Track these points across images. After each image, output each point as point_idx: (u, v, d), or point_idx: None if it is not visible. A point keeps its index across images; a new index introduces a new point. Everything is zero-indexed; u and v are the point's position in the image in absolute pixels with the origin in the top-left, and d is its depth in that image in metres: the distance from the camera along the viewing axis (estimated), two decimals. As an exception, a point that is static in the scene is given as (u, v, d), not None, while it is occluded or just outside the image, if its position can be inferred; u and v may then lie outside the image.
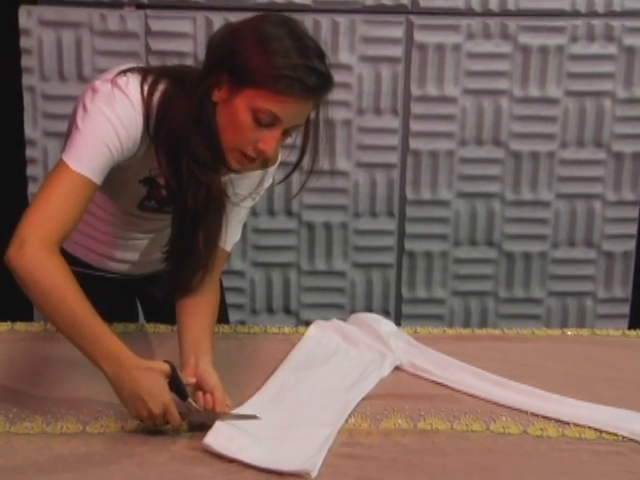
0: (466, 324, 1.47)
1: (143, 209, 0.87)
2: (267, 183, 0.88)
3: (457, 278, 1.47)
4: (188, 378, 0.78)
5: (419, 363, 0.90)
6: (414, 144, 1.40)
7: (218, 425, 0.74)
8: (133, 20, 1.33)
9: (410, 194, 1.43)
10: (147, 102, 0.77)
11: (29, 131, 1.36)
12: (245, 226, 1.02)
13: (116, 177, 0.80)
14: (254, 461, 0.71)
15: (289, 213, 1.43)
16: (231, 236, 0.87)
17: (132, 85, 0.77)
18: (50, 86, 1.34)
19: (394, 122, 1.39)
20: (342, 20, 1.35)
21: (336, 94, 0.79)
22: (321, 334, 0.95)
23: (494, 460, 0.74)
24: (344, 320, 1.00)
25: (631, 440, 0.77)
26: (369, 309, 1.45)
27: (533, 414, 0.81)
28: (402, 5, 1.35)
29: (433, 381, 0.87)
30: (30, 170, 1.37)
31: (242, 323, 1.36)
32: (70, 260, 0.78)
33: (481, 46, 1.37)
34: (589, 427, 0.79)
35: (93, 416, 0.78)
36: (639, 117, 1.41)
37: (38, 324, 0.96)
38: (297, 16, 0.80)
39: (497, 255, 1.46)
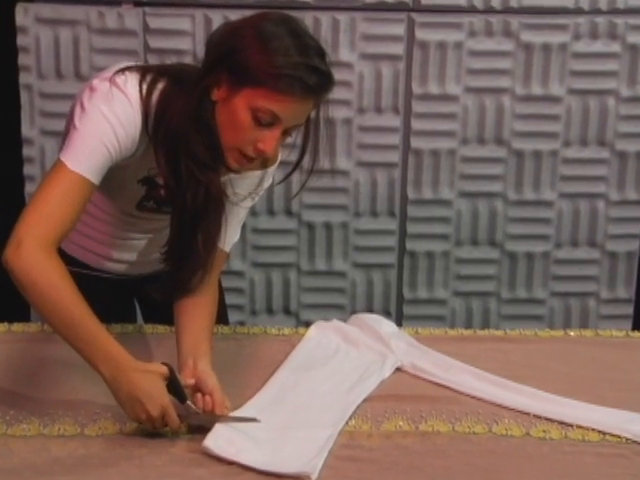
0: (468, 325, 1.47)
1: (142, 209, 0.86)
2: (267, 183, 0.88)
3: (459, 278, 1.46)
4: (186, 380, 0.77)
5: (420, 364, 0.89)
6: (415, 143, 1.40)
7: (217, 427, 0.74)
8: (131, 17, 1.33)
9: (411, 193, 1.42)
10: (146, 101, 0.77)
11: (26, 130, 1.35)
12: (245, 226, 1.02)
13: (114, 177, 0.79)
14: (254, 464, 0.71)
15: (289, 213, 1.42)
16: (230, 236, 0.87)
17: (130, 84, 0.77)
18: (47, 84, 1.34)
19: (395, 121, 1.39)
20: (342, 18, 1.35)
21: (336, 92, 0.79)
22: (321, 335, 0.95)
23: (496, 462, 0.73)
24: (344, 321, 0.99)
25: (635, 442, 0.77)
26: (370, 310, 1.44)
27: (536, 416, 0.81)
28: (403, 2, 1.34)
29: (434, 382, 0.87)
30: (27, 169, 1.37)
31: (241, 324, 1.36)
32: (67, 260, 0.78)
33: (483, 44, 1.36)
34: (592, 429, 0.78)
35: (91, 418, 0.78)
36: (643, 115, 1.40)
37: (35, 325, 0.95)
38: (297, 13, 0.80)
39: (499, 255, 1.46)
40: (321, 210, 1.42)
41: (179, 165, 0.77)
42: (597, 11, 1.36)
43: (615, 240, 1.45)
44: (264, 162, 0.84)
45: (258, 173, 0.86)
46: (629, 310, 1.48)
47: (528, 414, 0.81)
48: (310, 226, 1.43)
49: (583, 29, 1.36)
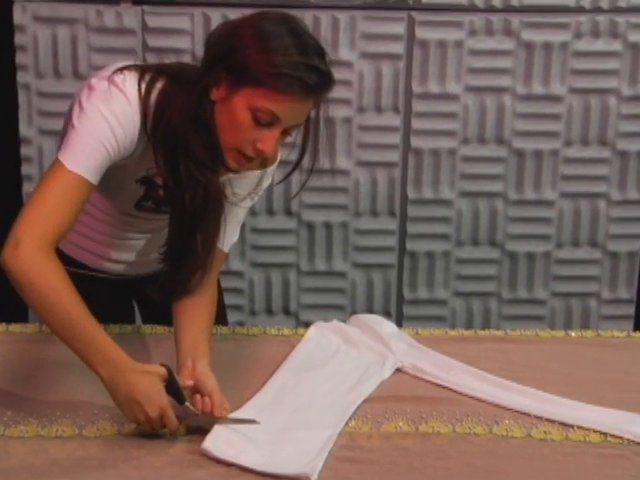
0: (468, 325, 1.46)
1: (140, 209, 0.86)
2: (266, 183, 0.88)
3: (459, 279, 1.46)
4: (185, 381, 0.77)
5: (420, 365, 0.89)
6: (415, 142, 1.39)
7: (216, 429, 0.74)
8: (130, 16, 1.32)
9: (411, 193, 1.42)
10: (144, 100, 0.76)
11: (24, 129, 1.35)
12: (244, 226, 1.01)
13: (113, 176, 0.79)
14: (253, 465, 0.71)
15: (288, 213, 1.42)
16: (229, 237, 0.86)
17: (129, 83, 0.76)
18: (45, 83, 1.34)
19: (395, 120, 1.38)
20: (342, 16, 1.34)
21: (336, 91, 0.78)
22: (321, 335, 0.95)
23: (497, 463, 0.73)
24: (344, 321, 0.99)
25: (636, 443, 0.76)
26: (370, 310, 1.44)
27: (536, 417, 0.80)
28: (403, 1, 1.34)
29: (435, 383, 0.86)
30: (25, 169, 1.36)
31: (241, 324, 1.35)
32: (66, 260, 0.78)
33: (484, 43, 1.36)
34: (593, 430, 0.78)
35: (89, 419, 0.77)
36: (644, 115, 1.40)
37: (33, 325, 0.95)
38: (296, 12, 0.79)
39: (500, 255, 1.45)
40: (321, 210, 1.41)
41: (178, 165, 0.77)
42: (598, 9, 1.35)
43: (616, 240, 1.45)
44: (263, 162, 0.84)
45: (257, 173, 0.85)
46: (630, 310, 1.48)
47: (529, 415, 0.81)
48: (310, 226, 1.42)
49: (584, 28, 1.36)
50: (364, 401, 0.82)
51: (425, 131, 1.39)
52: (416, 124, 1.38)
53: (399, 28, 1.35)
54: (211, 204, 0.79)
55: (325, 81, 0.74)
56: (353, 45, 1.35)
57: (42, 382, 0.83)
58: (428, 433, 0.77)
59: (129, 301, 1.01)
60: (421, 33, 1.35)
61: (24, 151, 1.36)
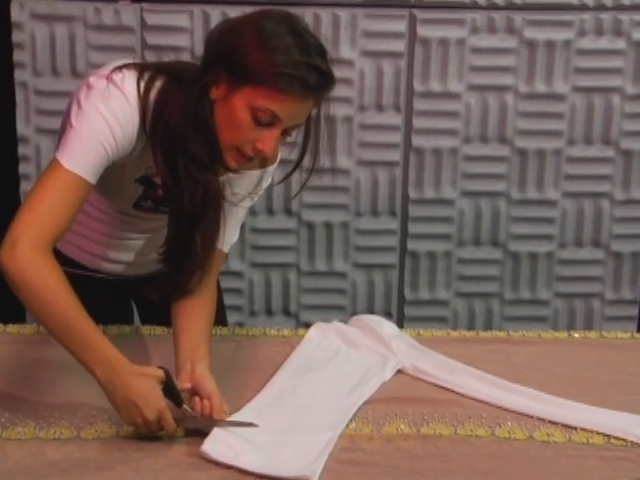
0: (470, 326, 1.45)
1: (139, 209, 0.85)
2: (266, 183, 0.87)
3: (461, 279, 1.45)
4: (183, 384, 0.76)
5: (422, 366, 0.88)
6: (417, 141, 1.38)
7: (215, 431, 0.73)
8: (128, 14, 1.32)
9: (413, 193, 1.41)
10: (143, 99, 0.76)
11: (21, 128, 1.34)
12: (243, 226, 1.00)
13: (111, 176, 0.78)
14: (252, 467, 0.70)
15: (288, 212, 1.41)
16: (229, 237, 0.86)
17: (128, 81, 0.76)
18: (43, 82, 1.33)
19: (396, 119, 1.38)
20: (343, 14, 1.33)
21: (337, 90, 0.78)
22: (321, 336, 0.94)
23: (499, 466, 0.73)
24: (345, 322, 0.98)
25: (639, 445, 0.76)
26: (371, 311, 1.43)
27: (539, 419, 0.80)
28: (405, -1, 1.34)
29: (436, 385, 0.86)
30: (22, 168, 1.36)
31: (240, 325, 1.34)
32: (63, 260, 0.77)
33: (486, 41, 1.35)
34: (596, 432, 0.77)
35: (87, 421, 0.77)
36: (648, 113, 1.39)
37: (31, 326, 0.95)
38: (297, 10, 0.79)
39: (502, 255, 1.44)
40: (321, 209, 1.41)
41: (177, 164, 0.76)
42: (602, 7, 1.35)
43: (620, 240, 1.44)
44: (263, 161, 0.83)
45: (257, 172, 0.85)
46: (634, 311, 1.47)
47: (531, 417, 0.80)
48: (310, 226, 1.42)
49: (588, 26, 1.35)
50: (365, 403, 0.82)
51: (427, 130, 1.38)
52: (417, 123, 1.38)
53: (400, 26, 1.34)
54: (210, 204, 0.79)
55: (326, 81, 0.74)
56: (354, 43, 1.34)
57: (40, 383, 0.83)
58: (430, 435, 0.77)
59: (128, 302, 1.01)
60: (423, 31, 1.34)
61: (21, 150, 1.35)
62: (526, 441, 0.76)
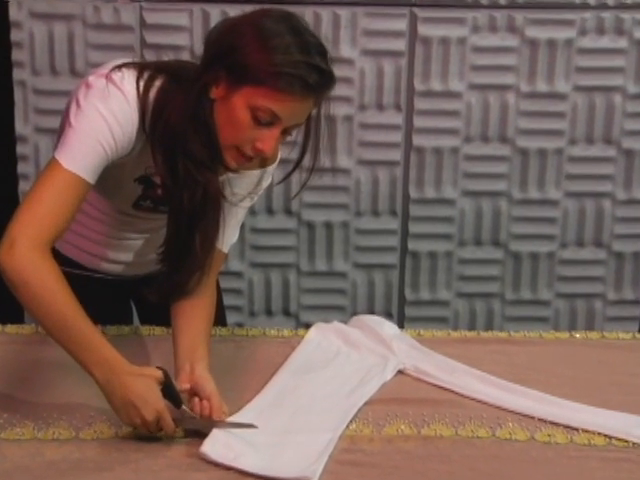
0: (471, 327, 1.45)
1: (138, 208, 0.85)
2: (266, 182, 0.87)
3: (462, 279, 1.44)
4: (182, 385, 0.76)
5: (423, 367, 0.88)
6: (418, 141, 1.38)
7: (215, 432, 0.73)
8: (127, 12, 1.32)
9: (413, 192, 1.41)
10: (143, 98, 0.75)
11: (20, 127, 1.34)
12: (243, 226, 1.00)
13: (111, 175, 0.78)
14: (252, 469, 0.70)
15: (288, 212, 1.41)
16: (228, 237, 0.86)
17: (127, 81, 0.76)
18: (42, 81, 1.33)
19: (397, 118, 1.37)
20: (343, 13, 1.33)
21: (337, 89, 0.77)
22: (321, 337, 0.94)
23: (500, 467, 0.72)
24: (345, 322, 0.98)
25: (642, 447, 0.75)
26: (371, 311, 1.43)
27: (540, 420, 0.79)
28: (405, -2, 1.33)
29: (437, 385, 0.86)
30: (21, 167, 1.36)
31: (240, 325, 1.33)
32: (62, 260, 0.77)
33: (487, 39, 1.35)
34: (598, 433, 0.77)
35: (86, 421, 0.76)
36: (650, 113, 1.38)
37: (29, 326, 0.94)
38: (297, 9, 0.79)
39: (503, 255, 1.44)
40: (321, 209, 1.40)
41: (176, 164, 0.76)
42: (603, 6, 1.34)
43: (622, 240, 1.43)
44: (263, 161, 0.83)
45: (257, 172, 0.84)
46: (636, 312, 1.47)
47: (533, 418, 0.80)
48: (310, 225, 1.42)
49: (589, 24, 1.35)
50: (365, 403, 0.81)
51: (427, 129, 1.38)
52: (418, 122, 1.37)
53: (401, 25, 1.34)
54: (210, 204, 0.79)
55: (326, 80, 0.73)
56: (354, 42, 1.34)
57: (38, 384, 0.83)
58: (430, 436, 0.76)
59: (127, 302, 1.01)
60: (423, 30, 1.34)
61: (20, 149, 1.35)
62: (527, 442, 0.76)
